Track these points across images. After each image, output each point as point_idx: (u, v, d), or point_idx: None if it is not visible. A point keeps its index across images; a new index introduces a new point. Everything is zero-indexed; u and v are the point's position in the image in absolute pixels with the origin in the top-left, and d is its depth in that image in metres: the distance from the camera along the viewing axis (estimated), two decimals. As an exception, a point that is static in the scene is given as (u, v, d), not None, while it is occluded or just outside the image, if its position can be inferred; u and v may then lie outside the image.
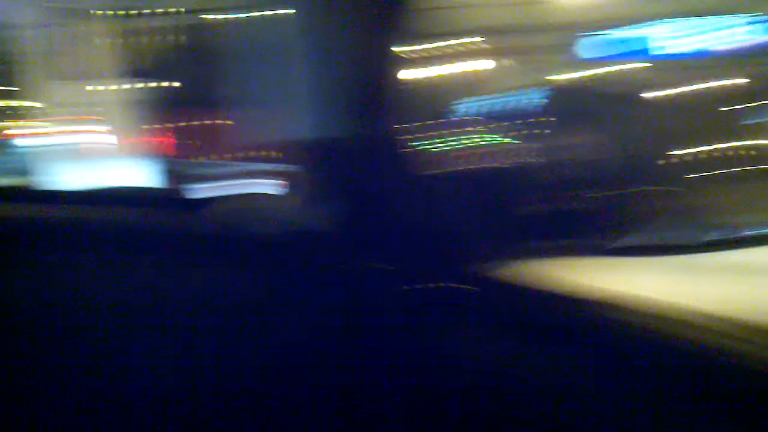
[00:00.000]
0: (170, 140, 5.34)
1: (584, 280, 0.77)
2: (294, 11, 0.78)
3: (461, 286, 0.75)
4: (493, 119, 6.20)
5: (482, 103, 6.42)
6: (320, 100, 0.82)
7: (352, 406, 0.73)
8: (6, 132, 14.51)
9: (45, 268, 0.80)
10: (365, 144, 0.79)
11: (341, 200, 0.80)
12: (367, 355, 0.74)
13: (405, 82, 0.73)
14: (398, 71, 0.82)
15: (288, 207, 0.84)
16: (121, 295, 0.77)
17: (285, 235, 0.80)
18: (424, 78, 6.00)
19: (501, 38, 13.12)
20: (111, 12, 7.54)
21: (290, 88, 0.85)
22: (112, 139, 6.54)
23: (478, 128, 5.91)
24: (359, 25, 0.78)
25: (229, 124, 4.78)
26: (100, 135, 5.51)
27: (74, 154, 6.81)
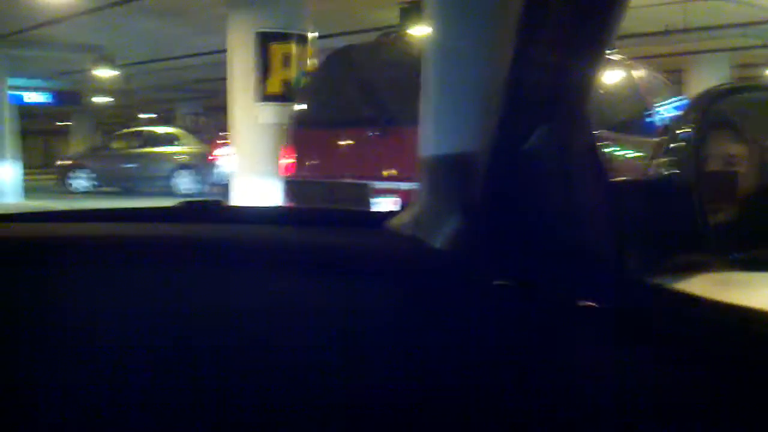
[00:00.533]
0: (347, 158, 5.46)
1: (733, 297, 0.73)
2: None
3: (603, 305, 0.73)
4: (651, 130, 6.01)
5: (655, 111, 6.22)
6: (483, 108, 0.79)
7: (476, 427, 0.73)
8: (215, 153, 15.28)
9: (232, 285, 0.82)
10: (515, 154, 0.77)
11: (483, 213, 0.79)
12: (497, 377, 0.73)
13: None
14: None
15: (446, 220, 0.83)
16: (318, 313, 0.80)
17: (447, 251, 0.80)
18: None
19: (694, 37, 12.86)
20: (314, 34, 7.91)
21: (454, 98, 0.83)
22: (269, 158, 6.74)
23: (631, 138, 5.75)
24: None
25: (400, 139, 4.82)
26: (287, 156, 5.75)
27: (269, 172, 7.14)
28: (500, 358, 0.71)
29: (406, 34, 6.63)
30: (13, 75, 15.56)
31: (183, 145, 16.50)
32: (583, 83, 0.72)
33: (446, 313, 0.74)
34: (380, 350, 0.75)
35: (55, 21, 11.05)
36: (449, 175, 0.79)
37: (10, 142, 14.51)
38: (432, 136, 0.81)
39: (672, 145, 0.89)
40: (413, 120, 0.87)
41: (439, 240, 0.78)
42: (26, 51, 13.88)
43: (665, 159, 0.89)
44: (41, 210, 1.19)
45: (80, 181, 17.44)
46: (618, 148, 5.27)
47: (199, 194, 15.46)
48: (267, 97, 7.82)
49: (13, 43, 13.22)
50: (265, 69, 7.81)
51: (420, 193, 0.84)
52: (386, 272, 0.80)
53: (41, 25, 11.43)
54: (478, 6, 0.71)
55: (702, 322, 0.65)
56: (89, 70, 15.15)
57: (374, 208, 4.81)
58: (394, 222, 0.91)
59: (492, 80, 0.71)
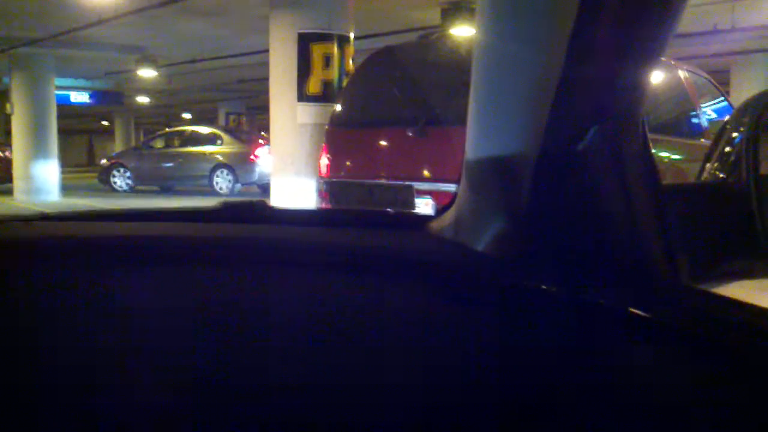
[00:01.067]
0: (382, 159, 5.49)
1: None
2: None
3: (649, 312, 0.71)
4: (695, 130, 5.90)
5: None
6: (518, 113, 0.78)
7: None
8: (255, 153, 15.54)
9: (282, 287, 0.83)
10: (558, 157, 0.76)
11: (528, 217, 0.77)
12: (542, 383, 0.72)
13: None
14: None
15: (487, 224, 0.82)
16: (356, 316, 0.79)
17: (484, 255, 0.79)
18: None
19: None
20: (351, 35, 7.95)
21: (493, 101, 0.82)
22: (306, 158, 6.79)
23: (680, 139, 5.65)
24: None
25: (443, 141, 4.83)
26: (327, 156, 5.81)
27: (308, 172, 7.21)
28: (545, 364, 0.69)
29: (448, 34, 6.60)
30: (59, 75, 15.87)
31: (223, 144, 16.66)
32: (637, 85, 0.70)
33: (488, 318, 0.73)
34: (421, 353, 0.74)
35: (99, 22, 11.22)
36: (495, 177, 0.77)
37: (53, 141, 14.83)
38: (478, 137, 0.79)
39: (725, 149, 0.87)
40: (455, 120, 0.85)
41: (481, 243, 0.77)
42: (71, 51, 14.12)
43: (718, 163, 0.87)
44: (86, 209, 1.20)
45: (121, 180, 17.70)
46: (661, 151, 5.19)
47: (237, 194, 15.62)
48: (307, 98, 7.85)
49: (59, 44, 13.46)
50: (306, 69, 7.84)
51: (462, 195, 0.83)
52: (427, 275, 0.79)
53: (86, 26, 11.62)
54: (530, 7, 0.70)
55: (753, 330, 0.63)
56: (132, 70, 15.38)
57: (417, 210, 4.81)
58: (436, 224, 0.90)
59: (542, 82, 0.69)
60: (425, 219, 0.93)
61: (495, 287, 0.74)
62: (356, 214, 1.32)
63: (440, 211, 0.91)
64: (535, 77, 0.70)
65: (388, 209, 4.85)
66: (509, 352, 0.71)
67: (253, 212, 1.07)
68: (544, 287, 0.71)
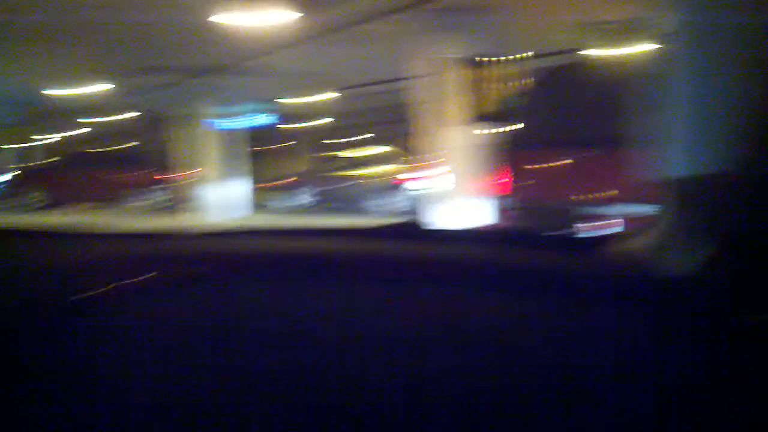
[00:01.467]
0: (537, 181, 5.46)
1: None
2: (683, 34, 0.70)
3: None
4: None
5: None
6: (704, 133, 0.76)
7: None
8: (397, 176, 16.14)
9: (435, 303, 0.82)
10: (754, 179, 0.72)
11: (715, 241, 0.74)
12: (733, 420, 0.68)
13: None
14: None
15: (660, 248, 0.79)
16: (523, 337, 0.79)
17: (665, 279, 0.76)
18: None
19: None
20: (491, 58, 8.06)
21: (665, 121, 0.80)
22: (475, 180, 6.95)
23: None
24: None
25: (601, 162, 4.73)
26: (470, 177, 5.88)
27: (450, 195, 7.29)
28: (731, 401, 0.66)
29: (623, 53, 6.41)
30: (245, 100, 16.98)
31: (396, 164, 17.08)
32: None
33: (669, 349, 0.69)
34: (598, 382, 0.71)
35: (279, 49, 11.79)
36: (695, 198, 0.75)
37: (239, 160, 15.98)
38: (674, 157, 0.77)
39: None
40: (640, 140, 0.84)
41: (677, 268, 0.74)
42: (252, 79, 14.94)
43: None
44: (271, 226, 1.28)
45: (299, 198, 18.62)
46: None
47: (409, 213, 15.87)
48: (474, 119, 7.89)
49: (242, 71, 14.28)
50: (470, 91, 7.88)
51: (655, 217, 0.81)
52: (606, 298, 0.77)
53: (268, 54, 12.25)
54: (728, 27, 0.68)
55: None
56: (304, 95, 16.08)
57: (598, 233, 4.70)
58: (621, 246, 0.88)
59: (741, 101, 0.67)
60: (610, 241, 0.92)
61: (685, 315, 0.72)
62: (532, 234, 1.30)
63: (629, 232, 0.89)
64: (735, 96, 0.69)
65: (570, 230, 4.74)
66: (695, 387, 0.68)
67: (415, 231, 1.09)
68: (738, 319, 0.67)
